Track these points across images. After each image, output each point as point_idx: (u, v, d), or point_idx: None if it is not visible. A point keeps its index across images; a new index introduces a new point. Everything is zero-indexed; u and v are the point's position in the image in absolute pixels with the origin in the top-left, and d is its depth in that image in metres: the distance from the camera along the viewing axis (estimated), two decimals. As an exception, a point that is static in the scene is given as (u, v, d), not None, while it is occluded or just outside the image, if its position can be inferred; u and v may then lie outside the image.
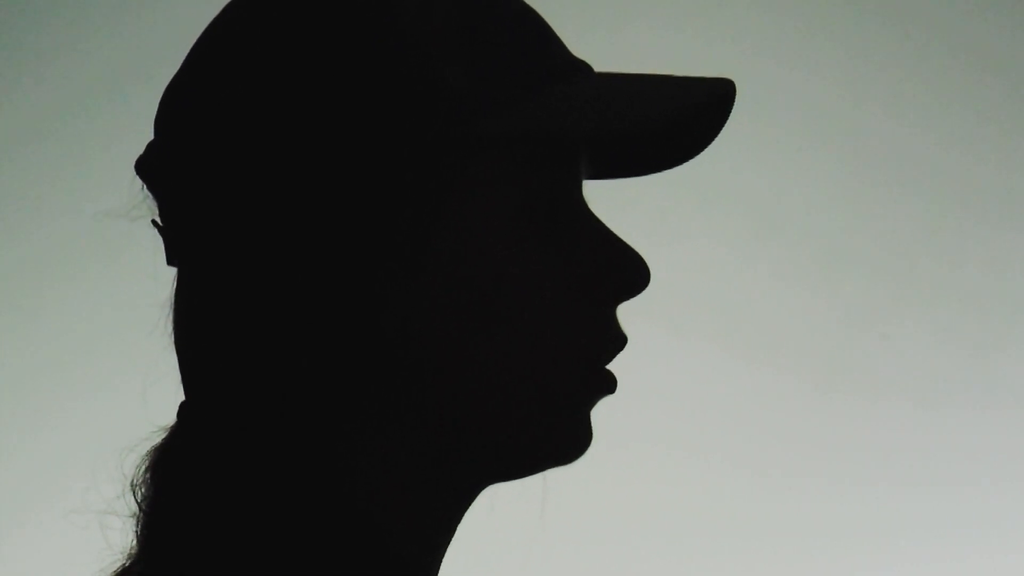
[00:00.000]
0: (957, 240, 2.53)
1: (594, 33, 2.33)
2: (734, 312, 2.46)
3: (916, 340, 2.50)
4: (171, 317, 0.75)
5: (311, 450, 0.70)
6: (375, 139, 0.68)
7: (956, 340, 2.51)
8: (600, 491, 2.18)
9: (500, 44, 0.70)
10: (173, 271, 0.75)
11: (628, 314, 0.75)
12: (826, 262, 2.50)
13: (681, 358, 2.42)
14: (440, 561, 0.74)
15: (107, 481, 0.77)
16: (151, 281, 0.79)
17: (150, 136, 0.74)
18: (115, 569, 0.75)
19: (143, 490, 0.73)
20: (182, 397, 0.74)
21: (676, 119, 0.71)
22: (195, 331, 0.73)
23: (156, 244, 0.74)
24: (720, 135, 0.76)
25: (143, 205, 0.75)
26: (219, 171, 0.69)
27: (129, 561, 0.74)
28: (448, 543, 0.74)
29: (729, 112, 0.75)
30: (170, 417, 0.74)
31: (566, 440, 0.73)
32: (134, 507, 0.73)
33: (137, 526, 0.72)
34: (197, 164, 0.70)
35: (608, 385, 0.73)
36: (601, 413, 0.75)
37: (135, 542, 0.73)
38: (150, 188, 0.74)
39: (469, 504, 0.75)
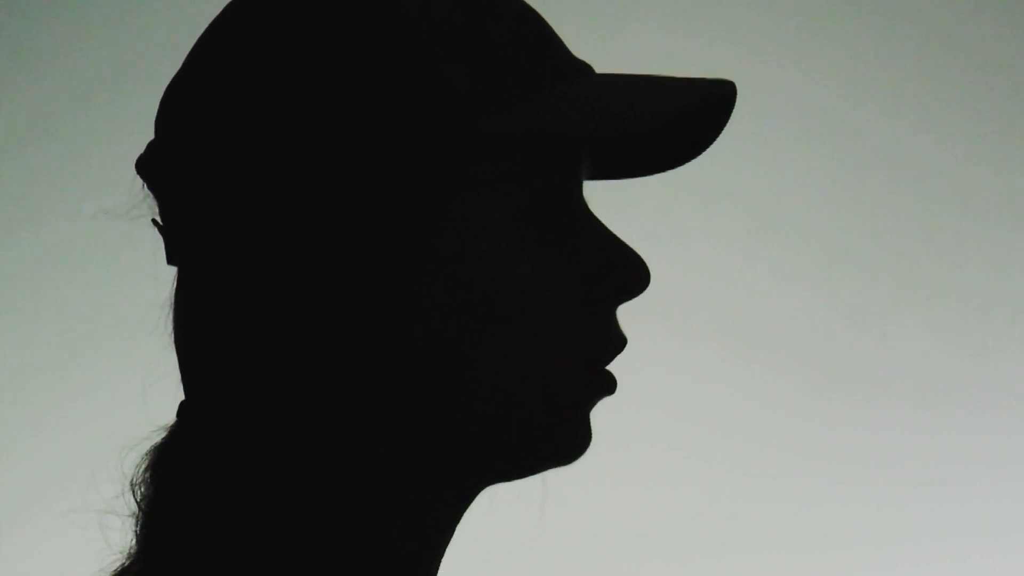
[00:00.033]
0: (957, 240, 2.53)
1: (594, 33, 2.33)
2: (734, 312, 2.46)
3: (916, 340, 2.50)
4: (171, 317, 0.75)
5: (311, 449, 0.70)
6: (376, 138, 0.68)
7: (956, 340, 2.51)
8: (600, 491, 2.18)
9: (501, 44, 0.70)
10: (173, 271, 0.75)
11: (628, 314, 0.75)
12: (826, 262, 2.50)
13: (681, 358, 2.42)
14: (440, 561, 0.74)
15: (107, 480, 0.77)
16: (151, 281, 0.79)
17: (150, 136, 0.74)
18: (114, 568, 0.75)
19: (142, 489, 0.73)
20: (182, 397, 0.74)
21: (677, 120, 0.71)
22: (195, 331, 0.73)
23: (156, 244, 0.74)
24: (720, 136, 0.76)
25: (143, 204, 0.75)
26: (219, 170, 0.69)
27: (128, 560, 0.74)
28: (448, 543, 0.75)
29: (730, 113, 0.75)
30: (170, 417, 0.74)
31: (566, 440, 0.73)
32: (133, 506, 0.73)
33: (136, 525, 0.72)
34: (198, 163, 0.70)
35: (608, 386, 0.73)
36: (601, 413, 0.75)
37: (134, 541, 0.73)
38: (150, 187, 0.74)
39: (469, 504, 0.75)
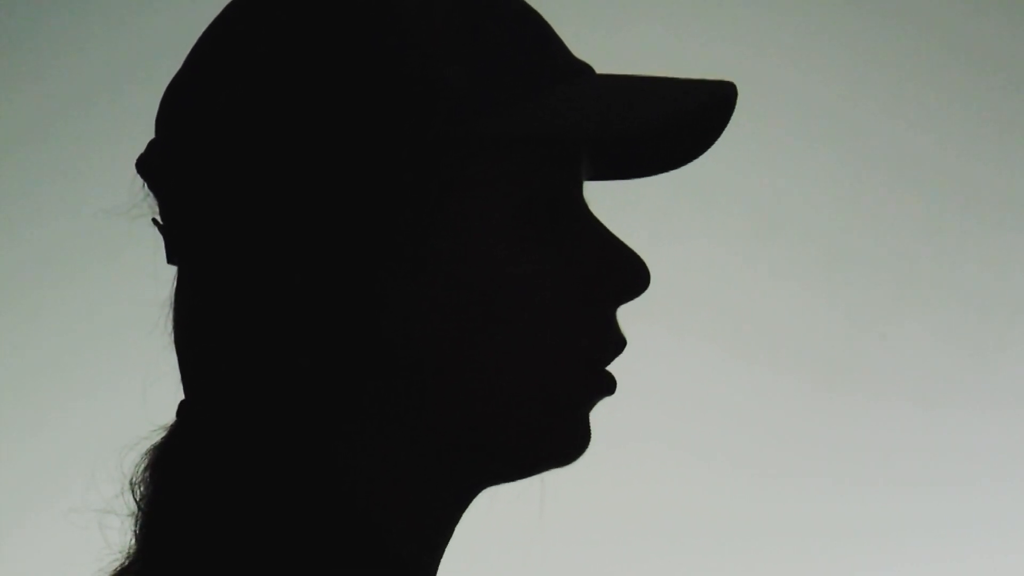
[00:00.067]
0: (957, 240, 2.53)
1: (594, 33, 2.33)
2: (734, 312, 2.46)
3: (916, 340, 2.50)
4: (171, 316, 0.75)
5: (311, 449, 0.70)
6: (375, 138, 0.68)
7: (956, 340, 2.51)
8: (599, 491, 2.18)
9: (501, 44, 0.70)
10: (173, 270, 0.75)
11: (628, 314, 0.75)
12: (826, 262, 2.50)
13: (681, 358, 2.42)
14: (439, 561, 0.74)
15: (107, 480, 0.77)
16: (151, 280, 0.79)
17: (150, 135, 0.74)
18: (114, 568, 0.75)
19: (142, 489, 0.73)
20: (182, 396, 0.74)
21: (677, 121, 0.71)
22: (195, 330, 0.73)
23: (156, 243, 0.74)
24: (720, 137, 0.76)
25: (143, 204, 0.75)
26: (220, 170, 0.70)
27: (128, 560, 0.74)
28: (447, 543, 0.74)
29: (730, 115, 0.75)
30: (170, 416, 0.74)
31: (565, 441, 0.73)
32: (133, 506, 0.73)
33: (136, 525, 0.72)
34: (198, 163, 0.70)
35: (608, 386, 0.73)
36: (600, 413, 0.75)
37: (134, 541, 0.73)
38: (151, 187, 0.74)
39: (468, 504, 0.75)
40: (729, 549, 2.41)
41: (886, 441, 2.46)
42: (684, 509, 2.39)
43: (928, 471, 2.46)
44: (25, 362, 2.37)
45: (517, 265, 0.69)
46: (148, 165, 0.73)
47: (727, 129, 0.76)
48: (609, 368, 0.74)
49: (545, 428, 0.72)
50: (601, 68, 0.76)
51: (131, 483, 0.73)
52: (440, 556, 0.74)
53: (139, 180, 0.74)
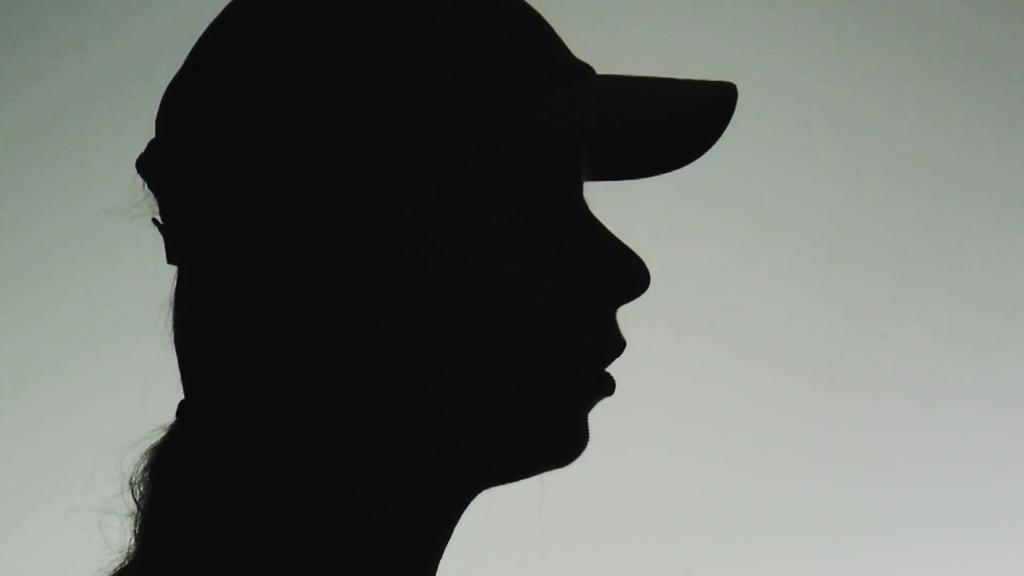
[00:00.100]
0: (957, 240, 2.53)
1: (594, 33, 2.33)
2: (734, 312, 2.46)
3: (916, 340, 2.50)
4: (171, 316, 0.75)
5: (311, 449, 0.70)
6: (374, 138, 0.68)
7: (956, 340, 2.51)
8: (599, 491, 2.18)
9: (500, 44, 0.70)
10: (173, 270, 0.75)
11: (628, 315, 0.75)
12: (826, 262, 2.50)
13: (681, 358, 2.42)
14: (438, 561, 0.74)
15: (107, 480, 0.77)
16: (151, 280, 0.79)
17: (150, 135, 0.74)
18: (114, 568, 0.75)
19: (142, 489, 0.73)
20: (182, 396, 0.74)
21: (677, 122, 0.71)
22: (195, 330, 0.73)
23: (156, 243, 0.74)
24: (721, 137, 0.76)
25: (144, 204, 0.75)
26: (220, 170, 0.70)
27: (128, 560, 0.74)
28: (446, 543, 0.74)
29: (731, 116, 0.75)
30: (170, 416, 0.74)
31: (564, 442, 0.73)
32: (133, 506, 0.73)
33: (135, 525, 0.72)
34: (198, 163, 0.70)
35: (607, 387, 0.73)
36: (600, 413, 0.75)
37: (133, 541, 0.73)
38: (151, 186, 0.74)
39: (467, 505, 0.75)
40: (729, 549, 2.41)
41: (886, 441, 2.46)
42: (684, 509, 2.39)
43: (928, 471, 2.46)
44: (25, 362, 2.37)
45: (516, 265, 0.69)
46: (148, 165, 0.73)
47: (727, 130, 0.76)
48: (609, 369, 0.74)
49: (545, 428, 0.72)
50: (601, 68, 0.76)
51: (131, 483, 0.73)
52: (440, 556, 0.74)
53: (139, 180, 0.74)
